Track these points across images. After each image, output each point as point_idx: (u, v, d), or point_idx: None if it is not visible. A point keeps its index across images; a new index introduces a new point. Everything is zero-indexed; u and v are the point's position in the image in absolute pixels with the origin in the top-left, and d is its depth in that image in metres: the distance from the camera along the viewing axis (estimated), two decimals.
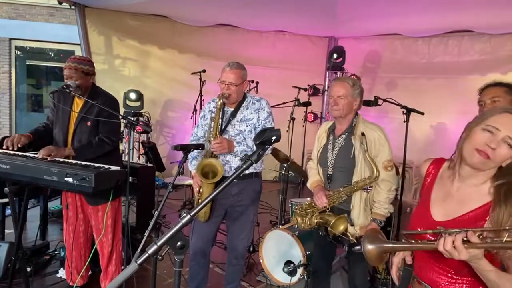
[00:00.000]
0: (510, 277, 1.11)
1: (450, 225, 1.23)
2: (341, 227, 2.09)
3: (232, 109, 2.46)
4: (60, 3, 5.11)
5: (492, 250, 1.11)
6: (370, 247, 1.22)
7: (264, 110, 2.47)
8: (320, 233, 2.28)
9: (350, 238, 2.05)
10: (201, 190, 2.36)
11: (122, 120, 2.52)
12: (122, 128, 3.88)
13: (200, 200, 2.38)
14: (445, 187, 1.32)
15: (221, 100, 2.34)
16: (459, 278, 1.23)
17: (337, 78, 2.30)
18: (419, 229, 1.29)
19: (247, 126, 2.45)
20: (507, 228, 1.06)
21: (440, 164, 1.38)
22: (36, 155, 2.31)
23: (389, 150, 2.15)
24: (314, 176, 2.37)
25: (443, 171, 1.36)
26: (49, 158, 2.28)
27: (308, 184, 2.39)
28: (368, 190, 2.14)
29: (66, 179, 2.04)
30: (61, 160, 2.28)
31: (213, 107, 2.43)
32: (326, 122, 2.44)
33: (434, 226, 1.25)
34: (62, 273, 2.99)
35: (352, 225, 2.12)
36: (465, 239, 1.06)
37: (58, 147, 2.43)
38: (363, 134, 2.09)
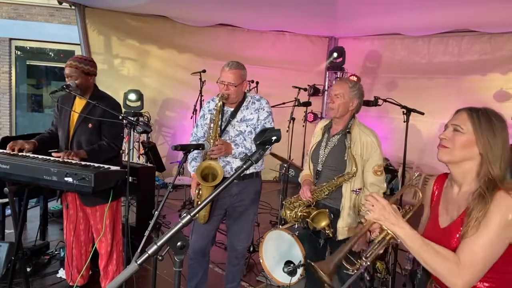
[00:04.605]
0: (446, 254, 1.19)
1: (450, 229, 1.25)
2: (323, 223, 2.17)
3: (232, 109, 2.44)
4: (60, 3, 5.10)
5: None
6: (330, 268, 1.34)
7: (264, 109, 2.46)
8: (302, 225, 2.35)
9: (327, 232, 2.14)
10: (200, 192, 2.36)
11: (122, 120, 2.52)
12: None
13: (199, 203, 2.37)
14: (449, 195, 1.36)
15: (221, 102, 2.33)
16: (477, 283, 1.23)
17: (340, 79, 2.35)
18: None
19: (247, 126, 2.43)
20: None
21: (443, 178, 1.43)
22: (36, 155, 2.31)
23: (380, 155, 2.20)
24: (305, 171, 2.45)
25: (447, 181, 1.40)
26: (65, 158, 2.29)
27: (299, 177, 2.47)
28: (357, 193, 2.19)
29: (65, 179, 2.04)
30: (61, 160, 2.28)
31: (213, 108, 2.41)
32: (323, 120, 2.47)
33: (439, 233, 1.29)
34: (62, 273, 2.99)
35: (331, 220, 2.19)
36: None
37: (76, 152, 2.40)
38: (349, 132, 2.16)
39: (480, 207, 1.17)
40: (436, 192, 1.43)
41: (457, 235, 1.22)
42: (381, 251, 1.33)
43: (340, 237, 2.21)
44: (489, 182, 1.21)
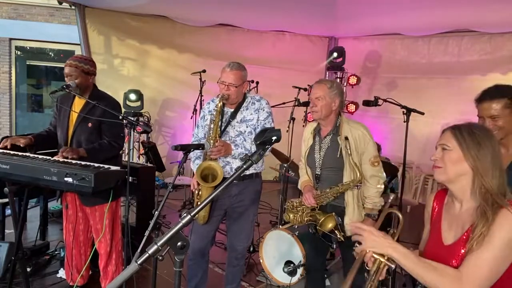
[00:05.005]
0: (444, 269, 1.19)
1: (455, 246, 1.27)
2: (330, 225, 2.17)
3: (232, 110, 2.44)
4: (60, 3, 5.10)
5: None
6: None
7: (263, 110, 2.46)
8: (310, 230, 2.34)
9: (338, 236, 2.14)
10: (199, 193, 2.36)
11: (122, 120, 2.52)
12: None
13: (199, 203, 2.37)
14: (451, 211, 1.37)
15: (221, 102, 2.33)
16: None
17: (316, 81, 2.35)
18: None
19: (247, 127, 2.43)
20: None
21: (442, 195, 1.44)
22: (36, 155, 2.31)
23: (374, 146, 2.23)
24: (303, 177, 2.45)
25: (448, 198, 1.41)
26: (64, 157, 2.28)
27: (298, 184, 2.47)
28: (359, 187, 2.22)
29: (65, 179, 2.04)
30: (61, 160, 2.28)
31: (213, 108, 2.41)
32: (310, 123, 2.48)
33: (443, 250, 1.29)
34: (62, 273, 2.99)
35: (340, 224, 2.19)
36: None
37: (72, 148, 2.42)
38: (346, 138, 2.17)
39: (484, 222, 1.18)
40: (437, 209, 1.44)
41: (462, 252, 1.22)
42: (381, 278, 1.29)
43: (349, 233, 2.23)
44: (487, 196, 1.22)
